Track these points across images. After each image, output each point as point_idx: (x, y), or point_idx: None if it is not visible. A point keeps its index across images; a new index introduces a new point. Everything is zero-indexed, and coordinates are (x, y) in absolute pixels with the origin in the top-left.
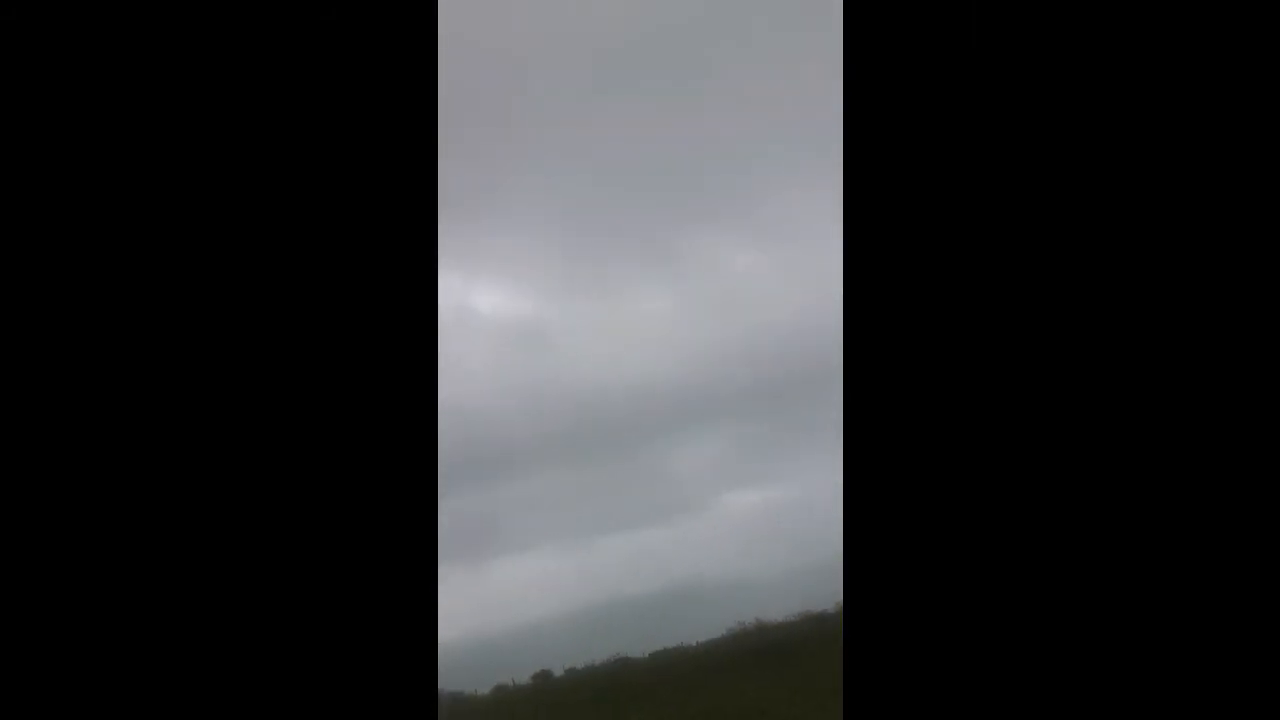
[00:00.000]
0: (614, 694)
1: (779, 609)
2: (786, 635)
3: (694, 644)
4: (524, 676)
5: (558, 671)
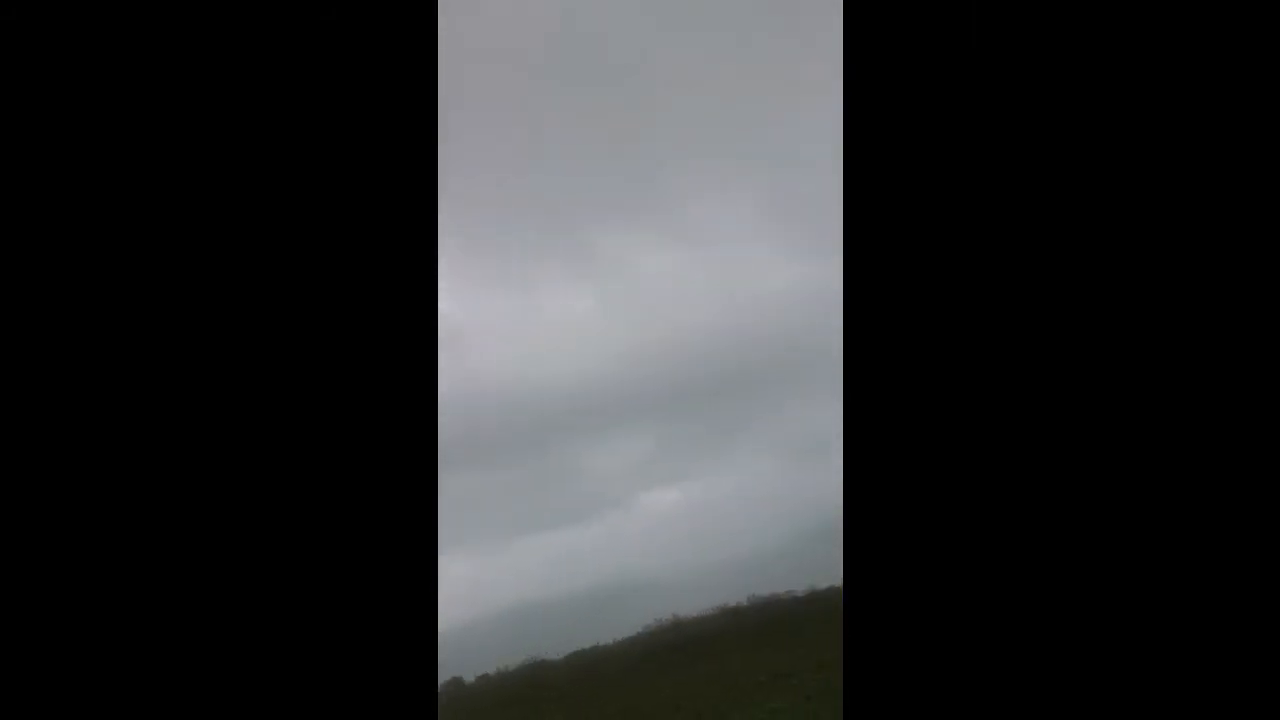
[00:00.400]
0: (529, 698)
1: (695, 605)
2: (702, 630)
3: (611, 643)
4: None
5: (469, 678)
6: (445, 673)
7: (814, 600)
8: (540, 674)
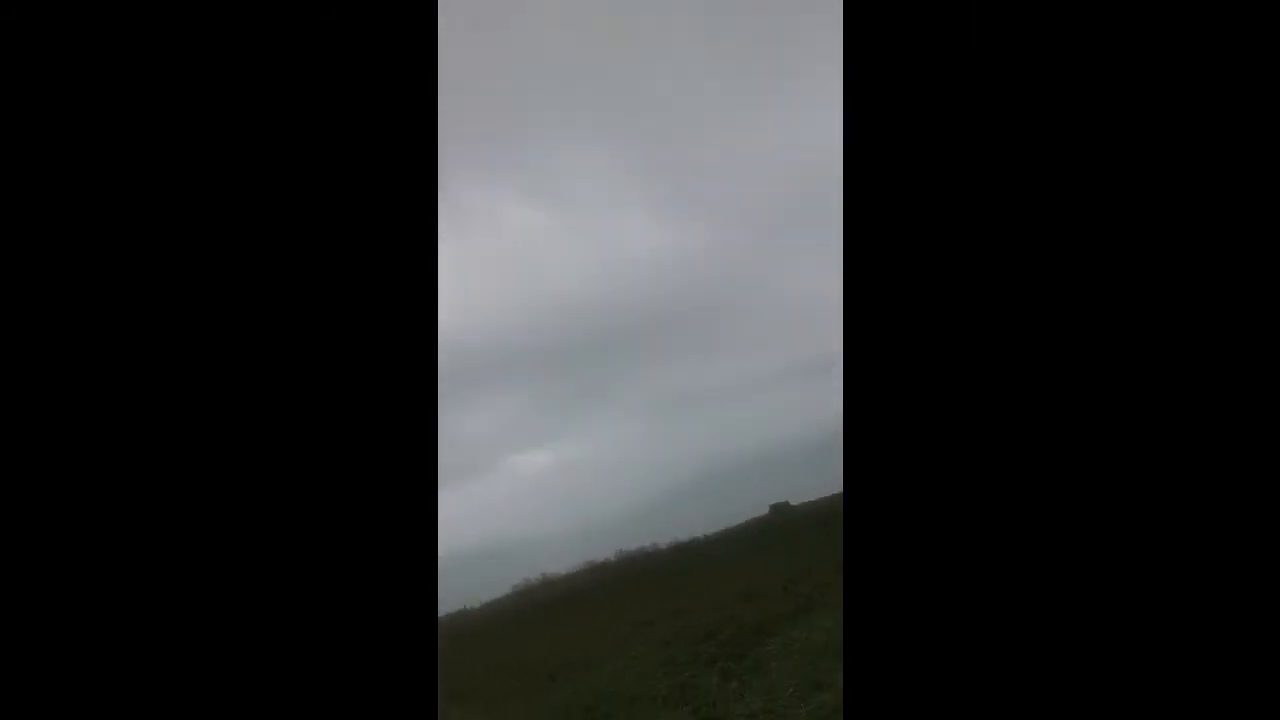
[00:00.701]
0: None
1: (563, 563)
2: (570, 586)
3: (477, 605)
4: None
5: None
6: None
7: (677, 551)
8: None
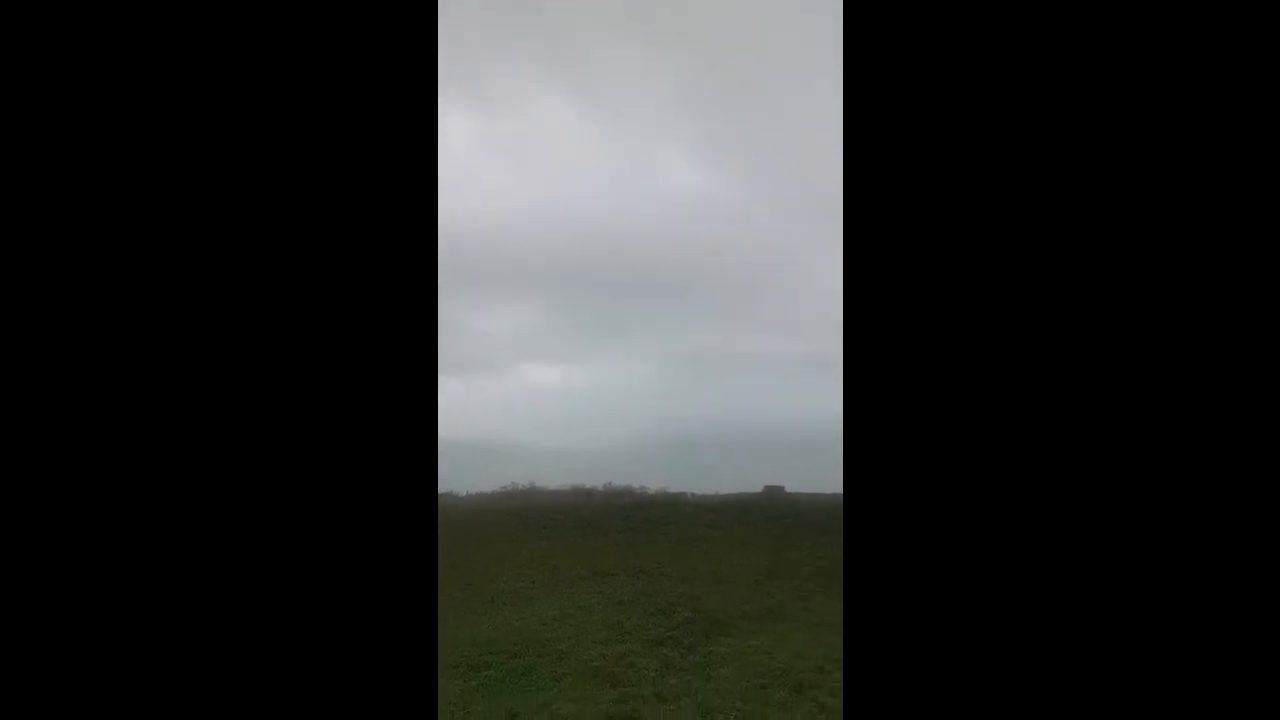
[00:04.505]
0: None
1: (552, 479)
2: (554, 502)
3: (463, 494)
4: None
5: None
6: None
7: (663, 502)
8: None
